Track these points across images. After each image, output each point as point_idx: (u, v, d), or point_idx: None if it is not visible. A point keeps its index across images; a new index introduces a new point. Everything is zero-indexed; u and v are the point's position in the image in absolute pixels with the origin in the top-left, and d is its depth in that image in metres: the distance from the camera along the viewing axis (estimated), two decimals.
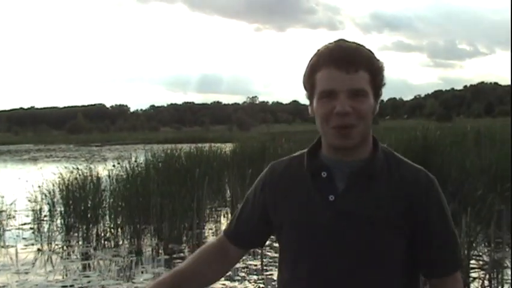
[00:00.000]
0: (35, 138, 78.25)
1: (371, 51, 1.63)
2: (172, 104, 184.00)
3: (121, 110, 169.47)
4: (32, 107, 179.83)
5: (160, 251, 8.28)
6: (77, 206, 10.12)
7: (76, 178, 11.30)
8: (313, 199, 1.63)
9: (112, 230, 9.34)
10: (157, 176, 11.47)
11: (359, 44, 1.63)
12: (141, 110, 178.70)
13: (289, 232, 1.68)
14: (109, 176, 12.00)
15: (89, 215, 9.83)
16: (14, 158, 38.47)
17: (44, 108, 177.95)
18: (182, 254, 8.00)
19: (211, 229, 9.78)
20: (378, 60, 1.63)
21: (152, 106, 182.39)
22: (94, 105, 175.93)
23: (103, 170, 13.03)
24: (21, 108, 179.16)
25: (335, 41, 1.64)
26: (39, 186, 11.75)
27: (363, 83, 1.56)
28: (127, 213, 9.52)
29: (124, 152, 19.90)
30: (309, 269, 1.62)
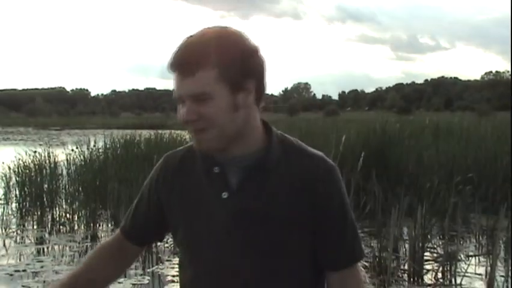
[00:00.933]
0: None
1: (227, 39, 1.48)
2: (133, 89, 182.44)
3: (81, 94, 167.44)
4: None
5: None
6: (33, 190, 9.98)
7: (32, 162, 11.14)
8: (206, 197, 1.55)
9: (68, 215, 9.19)
10: (115, 161, 11.36)
11: (211, 33, 1.49)
12: (102, 94, 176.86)
13: (185, 232, 1.59)
14: (67, 161, 11.85)
15: (45, 200, 9.69)
16: None
17: (2, 90, 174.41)
18: None
19: None
20: (238, 47, 1.47)
21: (114, 91, 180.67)
22: (54, 88, 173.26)
23: (61, 154, 12.85)
24: None
25: (185, 37, 1.50)
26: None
27: (205, 84, 1.43)
28: (84, 198, 9.40)
29: (83, 137, 19.65)
30: (208, 270, 1.55)
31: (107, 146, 13.46)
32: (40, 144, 25.39)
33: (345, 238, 1.57)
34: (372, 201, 9.04)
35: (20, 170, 10.72)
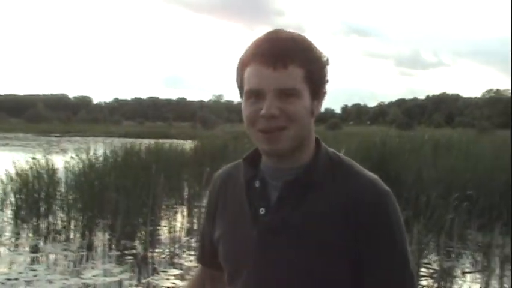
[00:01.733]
0: None
1: (309, 43, 1.43)
2: (136, 98, 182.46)
3: (83, 101, 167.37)
4: None
5: (112, 247, 8.17)
6: (29, 197, 9.95)
7: (30, 168, 11.11)
8: (244, 212, 1.47)
9: (64, 223, 9.18)
10: (114, 170, 11.34)
11: (295, 34, 1.43)
12: (104, 102, 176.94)
13: (222, 248, 1.54)
14: (66, 168, 11.83)
15: (41, 207, 9.67)
16: None
17: (3, 95, 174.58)
18: (134, 251, 7.92)
19: (165, 226, 9.67)
20: (318, 53, 1.42)
21: (116, 99, 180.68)
22: (56, 94, 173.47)
23: (60, 161, 12.83)
24: None
25: (267, 32, 1.44)
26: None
27: (295, 80, 1.36)
28: (81, 207, 9.38)
29: (84, 144, 19.58)
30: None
31: (107, 154, 13.45)
32: (39, 151, 25.42)
33: (394, 269, 1.39)
34: None
35: (17, 177, 10.68)
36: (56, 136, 53.88)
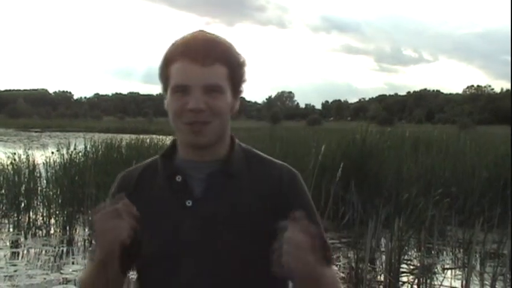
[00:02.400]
0: None
1: (230, 44, 1.52)
2: (116, 93, 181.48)
3: (64, 97, 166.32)
4: None
5: (92, 242, 8.11)
6: (10, 192, 9.87)
7: (11, 163, 11.03)
8: (170, 207, 1.51)
9: (45, 218, 9.12)
10: (95, 165, 11.27)
11: (218, 36, 1.52)
12: (85, 97, 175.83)
13: (152, 246, 1.51)
14: (46, 163, 11.75)
15: (21, 202, 9.59)
16: None
17: None
18: None
19: None
20: (238, 54, 1.53)
21: (97, 94, 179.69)
22: (37, 90, 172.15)
23: (41, 156, 12.74)
24: None
25: (192, 32, 1.52)
26: None
27: (220, 78, 1.46)
28: (61, 202, 9.33)
29: (64, 140, 19.39)
30: (181, 283, 1.48)
31: (87, 149, 13.37)
32: (20, 146, 25.22)
33: None
34: (350, 211, 9.07)
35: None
36: (36, 131, 53.51)
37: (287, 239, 1.29)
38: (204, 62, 1.43)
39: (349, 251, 7.54)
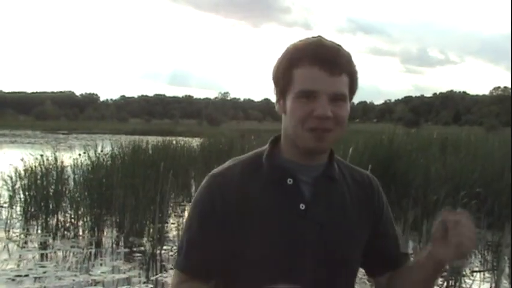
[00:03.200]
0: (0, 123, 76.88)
1: (350, 54, 1.55)
2: (143, 95, 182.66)
3: (90, 99, 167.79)
4: (0, 91, 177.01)
5: (120, 244, 8.18)
6: (38, 194, 9.96)
7: (39, 165, 11.14)
8: (282, 209, 1.50)
9: (73, 220, 9.19)
10: (122, 167, 11.35)
11: (339, 45, 1.53)
12: (111, 99, 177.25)
13: (260, 247, 1.48)
14: (74, 165, 11.85)
15: (50, 204, 9.67)
16: None
17: (12, 92, 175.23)
18: (142, 248, 7.92)
19: (173, 223, 9.69)
20: (356, 64, 1.55)
21: (123, 96, 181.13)
22: (64, 92, 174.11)
23: (68, 158, 12.85)
24: None
25: (314, 37, 1.53)
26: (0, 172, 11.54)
27: (345, 87, 1.49)
28: (89, 204, 9.38)
29: (91, 141, 19.55)
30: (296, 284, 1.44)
31: (114, 151, 13.46)
32: (48, 148, 25.50)
33: (398, 240, 1.73)
34: None
35: (25, 173, 10.71)
36: (63, 133, 54.10)
37: (463, 224, 1.44)
38: (333, 70, 1.45)
39: None
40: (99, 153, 12.61)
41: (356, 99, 1.69)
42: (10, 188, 10.58)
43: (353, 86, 1.52)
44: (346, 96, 1.49)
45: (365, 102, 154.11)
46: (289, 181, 1.52)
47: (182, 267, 1.56)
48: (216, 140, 19.99)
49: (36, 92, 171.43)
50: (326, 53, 1.46)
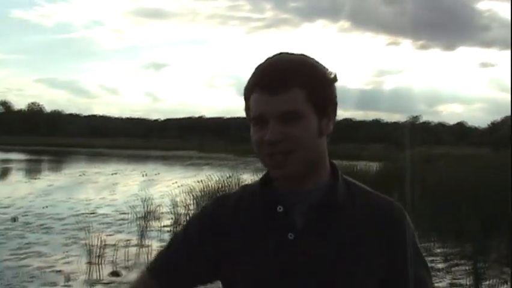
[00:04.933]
0: (199, 146, 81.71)
1: (311, 63, 1.42)
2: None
3: None
4: (202, 117, 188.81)
5: None
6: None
7: (222, 185, 11.94)
8: (269, 239, 1.41)
9: None
10: None
11: (296, 56, 1.43)
12: None
13: (245, 278, 1.43)
14: None
15: None
16: (177, 164, 40.82)
17: (212, 118, 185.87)
18: None
19: None
20: (321, 71, 1.42)
21: None
22: None
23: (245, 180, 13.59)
24: (191, 117, 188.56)
25: (268, 58, 1.44)
26: (188, 191, 12.51)
27: (296, 102, 1.35)
28: None
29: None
30: None
31: None
32: (237, 170, 26.85)
33: (423, 285, 1.46)
34: None
35: (209, 193, 11.58)
36: (252, 156, 55.63)
37: None
38: (276, 89, 1.35)
39: None
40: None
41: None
42: (195, 206, 11.37)
43: (317, 96, 1.38)
44: (298, 113, 1.35)
45: None
46: (279, 208, 1.41)
47: (148, 265, 1.59)
48: (396, 164, 19.69)
49: (232, 118, 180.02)
50: (267, 74, 1.39)
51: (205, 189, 12.78)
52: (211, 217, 1.51)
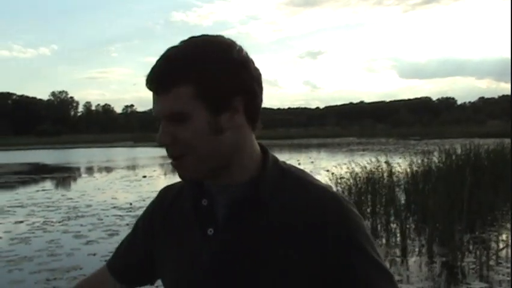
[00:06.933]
0: (359, 132, 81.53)
1: (203, 53, 1.21)
2: (504, 95, 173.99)
3: (446, 103, 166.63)
4: (361, 102, 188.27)
5: (422, 252, 8.01)
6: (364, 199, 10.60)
7: (371, 171, 11.78)
8: (193, 234, 1.31)
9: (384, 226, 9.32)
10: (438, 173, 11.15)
11: (188, 45, 1.23)
12: (469, 102, 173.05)
13: (170, 276, 1.37)
14: (404, 172, 12.19)
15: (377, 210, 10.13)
16: (337, 150, 40.99)
17: (372, 102, 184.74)
18: (444, 258, 7.57)
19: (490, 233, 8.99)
20: (215, 62, 1.20)
21: (481, 98, 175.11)
22: (419, 98, 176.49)
23: (403, 165, 13.35)
24: (350, 103, 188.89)
25: (172, 46, 1.26)
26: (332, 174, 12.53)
27: (181, 102, 1.19)
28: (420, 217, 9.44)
29: (440, 146, 18.98)
30: None
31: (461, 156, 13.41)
32: (393, 154, 26.27)
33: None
34: None
35: (355, 179, 11.51)
36: (415, 139, 54.66)
37: None
38: (159, 89, 1.21)
39: None
40: (427, 160, 12.75)
41: None
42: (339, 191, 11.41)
43: (209, 90, 1.19)
44: (183, 113, 1.19)
45: None
46: (204, 202, 1.30)
47: (107, 261, 1.57)
48: None
49: (393, 101, 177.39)
50: (153, 70, 1.22)
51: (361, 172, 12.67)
52: (154, 207, 1.47)
